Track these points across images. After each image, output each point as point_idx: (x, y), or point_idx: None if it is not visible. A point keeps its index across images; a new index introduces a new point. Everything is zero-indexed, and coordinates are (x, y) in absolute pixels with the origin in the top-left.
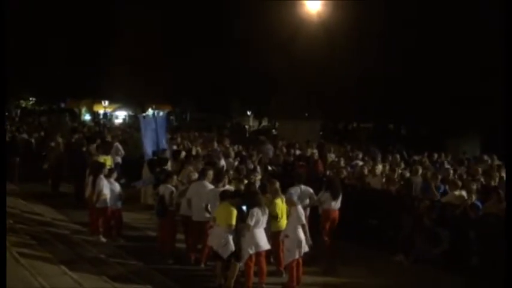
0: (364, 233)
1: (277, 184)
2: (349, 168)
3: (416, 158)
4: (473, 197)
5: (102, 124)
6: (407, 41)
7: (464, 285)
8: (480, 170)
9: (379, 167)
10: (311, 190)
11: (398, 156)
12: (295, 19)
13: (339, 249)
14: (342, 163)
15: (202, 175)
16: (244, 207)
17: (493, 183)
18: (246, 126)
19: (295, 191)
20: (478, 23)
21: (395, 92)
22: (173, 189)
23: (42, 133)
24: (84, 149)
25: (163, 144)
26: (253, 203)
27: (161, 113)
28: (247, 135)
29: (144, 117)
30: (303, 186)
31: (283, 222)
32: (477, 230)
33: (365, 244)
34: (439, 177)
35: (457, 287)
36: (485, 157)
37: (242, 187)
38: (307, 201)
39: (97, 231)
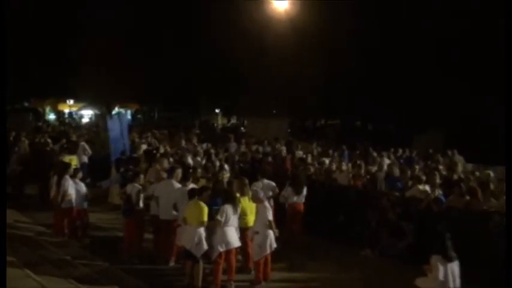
0: (332, 229)
1: (246, 181)
2: (316, 165)
3: (384, 153)
4: (437, 191)
5: (67, 123)
6: (373, 40)
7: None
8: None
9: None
10: (273, 184)
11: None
12: (263, 17)
13: (307, 244)
14: (310, 160)
15: (171, 174)
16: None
17: (455, 177)
18: (215, 124)
19: (258, 185)
20: (442, 22)
21: (361, 90)
22: (140, 188)
23: (14, 133)
24: (49, 148)
25: (127, 144)
26: (225, 200)
27: (123, 112)
28: (216, 132)
29: (110, 117)
30: (265, 180)
31: (250, 218)
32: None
33: (333, 239)
34: (408, 172)
35: None
36: (449, 152)
37: (210, 185)
38: (270, 193)
39: (61, 232)
